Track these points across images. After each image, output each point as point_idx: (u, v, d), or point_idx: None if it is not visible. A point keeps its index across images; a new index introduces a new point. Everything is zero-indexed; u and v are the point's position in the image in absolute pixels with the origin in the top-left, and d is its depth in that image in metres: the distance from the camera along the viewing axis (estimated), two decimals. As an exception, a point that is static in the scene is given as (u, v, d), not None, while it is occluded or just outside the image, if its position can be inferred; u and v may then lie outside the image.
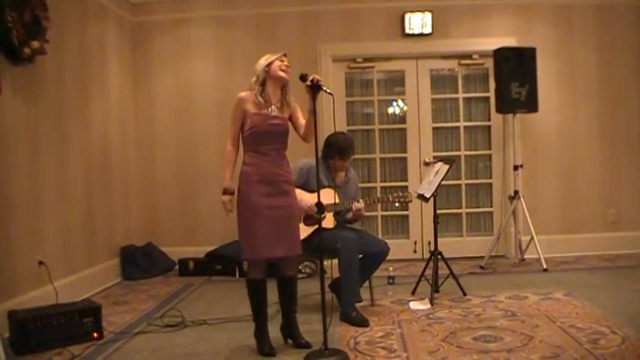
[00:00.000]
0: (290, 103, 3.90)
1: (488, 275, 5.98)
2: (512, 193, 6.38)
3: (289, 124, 3.88)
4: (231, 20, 6.88)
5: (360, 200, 4.66)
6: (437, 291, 5.05)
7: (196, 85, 6.87)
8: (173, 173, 6.95)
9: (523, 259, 6.46)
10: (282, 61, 3.82)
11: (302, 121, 3.89)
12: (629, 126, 6.80)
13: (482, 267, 6.25)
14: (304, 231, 4.36)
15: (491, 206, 7.00)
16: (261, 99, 3.78)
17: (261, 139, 3.75)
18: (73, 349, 3.95)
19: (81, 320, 4.14)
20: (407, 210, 6.91)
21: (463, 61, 6.92)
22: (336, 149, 4.68)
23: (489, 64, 6.69)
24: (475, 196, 7.08)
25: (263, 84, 3.81)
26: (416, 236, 6.94)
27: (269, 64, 3.80)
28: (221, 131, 6.53)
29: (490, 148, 6.98)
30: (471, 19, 6.83)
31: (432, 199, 5.01)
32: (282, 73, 3.80)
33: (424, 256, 6.59)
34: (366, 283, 4.76)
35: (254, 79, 3.82)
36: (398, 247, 6.23)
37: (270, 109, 3.79)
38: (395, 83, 7.10)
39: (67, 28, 5.36)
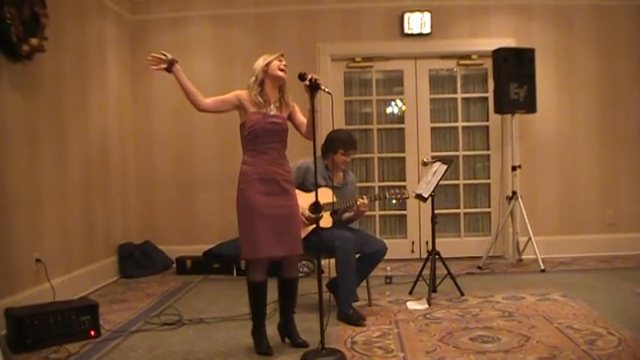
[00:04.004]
0: (289, 103, 3.90)
1: (485, 275, 5.99)
2: (510, 194, 6.38)
3: (289, 123, 3.88)
4: (230, 19, 6.89)
5: (364, 196, 4.66)
6: (434, 291, 5.05)
7: (195, 83, 6.72)
8: (171, 171, 6.94)
9: (520, 260, 6.47)
10: (281, 61, 3.83)
11: (302, 119, 3.89)
12: (628, 127, 6.81)
13: (479, 267, 6.26)
14: (302, 230, 4.36)
15: (489, 206, 7.01)
16: (260, 99, 3.77)
17: (260, 137, 3.75)
18: (70, 347, 3.94)
19: (78, 318, 4.14)
20: (405, 210, 6.91)
21: (462, 62, 6.93)
22: (339, 143, 4.68)
23: (488, 64, 6.70)
24: (473, 197, 7.08)
25: (261, 84, 3.81)
26: (414, 236, 6.94)
27: (267, 64, 3.81)
28: (220, 130, 6.59)
29: (488, 149, 6.99)
30: (470, 19, 6.84)
31: (429, 199, 5.02)
32: (280, 73, 3.80)
33: (422, 256, 6.59)
34: (364, 283, 4.76)
35: (252, 79, 3.82)
36: (395, 247, 6.23)
37: (268, 109, 3.79)
38: (394, 83, 7.10)
39: (65, 26, 5.36)
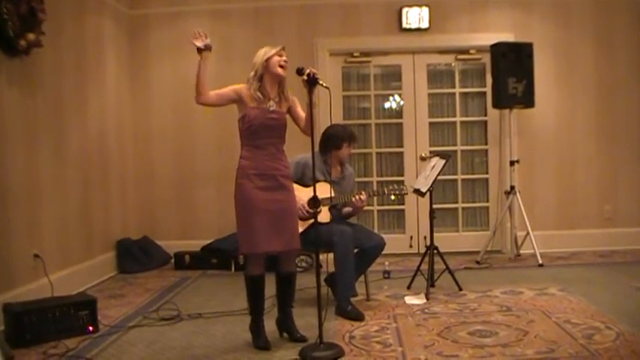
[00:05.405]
0: (288, 97, 3.88)
1: (483, 270, 6.00)
2: (509, 189, 6.39)
3: (287, 117, 3.87)
4: (229, 13, 6.87)
5: (363, 192, 4.65)
6: (432, 285, 5.05)
7: (193, 79, 6.80)
8: (170, 167, 6.93)
9: (519, 255, 6.48)
10: (281, 55, 3.80)
11: (301, 114, 3.89)
12: (626, 122, 6.80)
13: (477, 262, 6.26)
14: (300, 225, 4.36)
15: (488, 201, 7.01)
16: (259, 94, 3.76)
17: (259, 133, 3.74)
18: (68, 343, 3.94)
19: (76, 313, 4.13)
20: (403, 205, 6.91)
21: (460, 56, 6.92)
22: (342, 138, 4.69)
23: (486, 59, 6.69)
24: (471, 191, 7.08)
25: (261, 79, 3.79)
26: (412, 231, 6.94)
27: (267, 59, 3.78)
28: (219, 125, 6.58)
29: (486, 144, 6.99)
30: (469, 13, 6.82)
31: (428, 193, 5.01)
32: (280, 70, 3.78)
33: (420, 251, 6.59)
34: (362, 278, 4.77)
35: (252, 73, 3.80)
36: (394, 242, 6.25)
37: (268, 104, 3.78)
38: (392, 78, 7.09)
39: (63, 21, 5.34)
